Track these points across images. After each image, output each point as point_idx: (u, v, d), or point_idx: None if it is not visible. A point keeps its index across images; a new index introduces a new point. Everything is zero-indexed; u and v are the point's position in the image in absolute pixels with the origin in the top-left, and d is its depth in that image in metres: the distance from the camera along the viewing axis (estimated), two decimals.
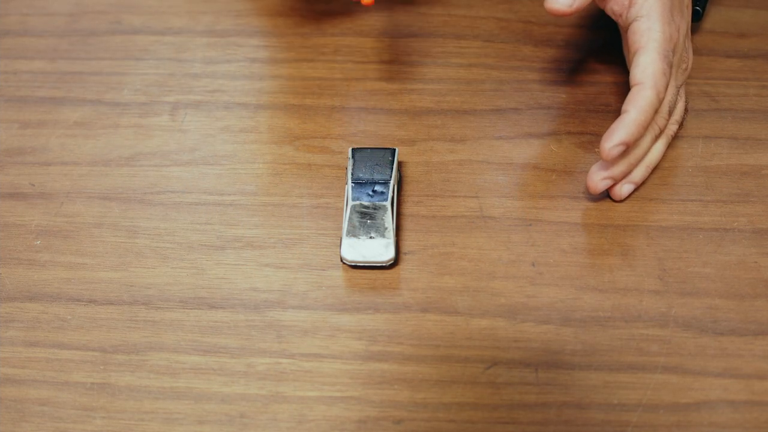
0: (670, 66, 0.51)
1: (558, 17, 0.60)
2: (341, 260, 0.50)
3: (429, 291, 0.49)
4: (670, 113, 0.53)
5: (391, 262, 0.50)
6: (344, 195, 0.53)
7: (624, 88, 0.59)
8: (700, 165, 0.55)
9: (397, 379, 0.46)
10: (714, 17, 0.64)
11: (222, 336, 0.48)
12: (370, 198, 0.51)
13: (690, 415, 0.44)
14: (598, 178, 0.51)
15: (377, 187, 0.51)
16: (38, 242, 0.52)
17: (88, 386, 0.46)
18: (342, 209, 0.53)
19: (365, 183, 0.51)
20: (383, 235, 0.50)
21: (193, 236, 0.52)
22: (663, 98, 0.51)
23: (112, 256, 0.51)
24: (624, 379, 0.46)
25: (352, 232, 0.50)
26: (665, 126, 0.53)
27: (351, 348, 0.47)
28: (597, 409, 0.45)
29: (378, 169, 0.52)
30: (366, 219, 0.50)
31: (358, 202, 0.51)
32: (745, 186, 0.53)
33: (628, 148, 0.50)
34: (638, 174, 0.53)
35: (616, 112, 0.58)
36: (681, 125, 0.55)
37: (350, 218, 0.50)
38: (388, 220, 0.50)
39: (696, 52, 0.61)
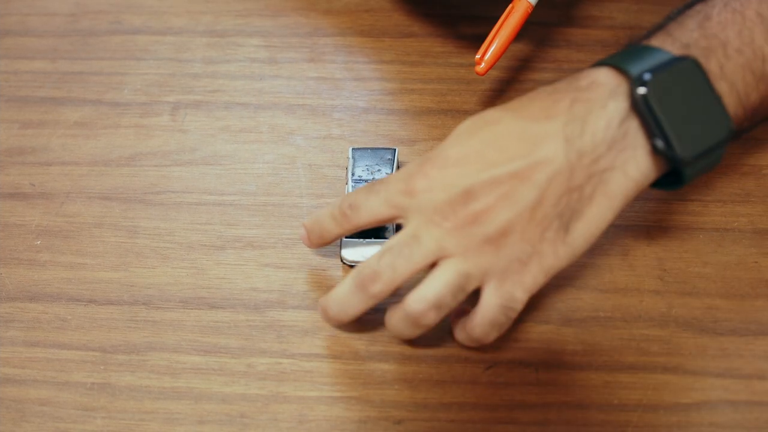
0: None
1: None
2: (341, 260, 0.50)
3: None
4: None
5: None
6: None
7: None
8: None
9: (397, 379, 0.46)
10: None
11: (222, 336, 0.48)
12: None
13: (690, 415, 0.44)
14: None
15: None
16: (38, 242, 0.52)
17: (88, 386, 0.46)
18: None
19: (365, 183, 0.51)
20: (383, 236, 0.50)
21: (194, 236, 0.52)
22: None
23: (113, 256, 0.51)
24: (624, 379, 0.46)
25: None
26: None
27: (351, 348, 0.47)
28: (597, 409, 0.45)
29: (378, 169, 0.52)
30: None
31: None
32: (745, 186, 0.53)
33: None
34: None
35: None
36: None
37: None
38: None
39: None
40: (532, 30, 0.62)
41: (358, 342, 0.47)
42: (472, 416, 0.45)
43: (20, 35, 0.63)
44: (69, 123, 0.58)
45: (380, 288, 0.44)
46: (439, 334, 0.47)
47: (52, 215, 0.53)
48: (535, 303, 0.48)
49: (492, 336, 0.45)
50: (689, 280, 0.49)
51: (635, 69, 0.42)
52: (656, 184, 0.45)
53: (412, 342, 0.47)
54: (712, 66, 0.44)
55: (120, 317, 0.48)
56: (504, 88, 0.59)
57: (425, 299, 0.43)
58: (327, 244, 0.48)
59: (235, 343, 0.47)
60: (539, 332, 0.48)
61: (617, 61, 0.44)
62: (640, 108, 0.42)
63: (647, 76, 0.42)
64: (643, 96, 0.42)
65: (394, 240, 0.44)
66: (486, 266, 0.43)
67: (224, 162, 0.55)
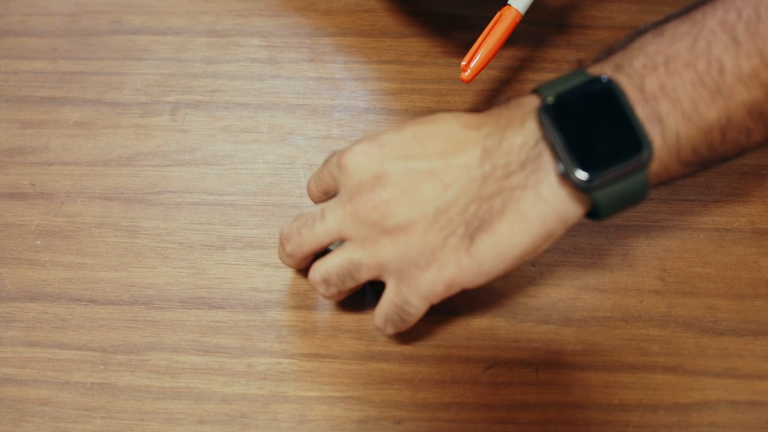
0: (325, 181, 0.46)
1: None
2: None
3: None
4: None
5: None
6: None
7: None
8: None
9: (397, 379, 0.46)
10: None
11: (222, 336, 0.48)
12: None
13: (690, 415, 0.45)
14: None
15: None
16: (39, 242, 0.52)
17: (88, 386, 0.46)
18: None
19: None
20: None
21: (194, 236, 0.52)
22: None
23: (113, 256, 0.51)
24: (624, 379, 0.46)
25: None
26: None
27: (351, 348, 0.47)
28: (597, 409, 0.45)
29: None
30: None
31: None
32: (745, 186, 0.53)
33: None
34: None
35: None
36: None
37: None
38: None
39: None
40: (531, 30, 0.63)
41: (358, 342, 0.47)
42: (472, 416, 0.45)
43: (20, 35, 0.63)
44: (69, 123, 0.58)
45: (291, 249, 0.46)
46: (439, 334, 0.47)
47: (52, 215, 0.53)
48: (534, 303, 0.49)
49: (388, 330, 0.46)
50: (689, 280, 0.49)
51: (547, 92, 0.41)
52: (591, 215, 0.42)
53: (412, 342, 0.47)
54: (649, 85, 0.41)
55: (120, 317, 0.49)
56: (504, 88, 0.59)
57: (318, 272, 0.45)
58: None
59: (235, 343, 0.47)
60: (539, 332, 0.48)
61: (542, 84, 0.42)
62: (543, 130, 0.41)
63: (552, 99, 0.41)
64: (542, 119, 0.40)
65: (310, 208, 0.45)
66: (381, 260, 0.43)
67: (224, 162, 0.55)
